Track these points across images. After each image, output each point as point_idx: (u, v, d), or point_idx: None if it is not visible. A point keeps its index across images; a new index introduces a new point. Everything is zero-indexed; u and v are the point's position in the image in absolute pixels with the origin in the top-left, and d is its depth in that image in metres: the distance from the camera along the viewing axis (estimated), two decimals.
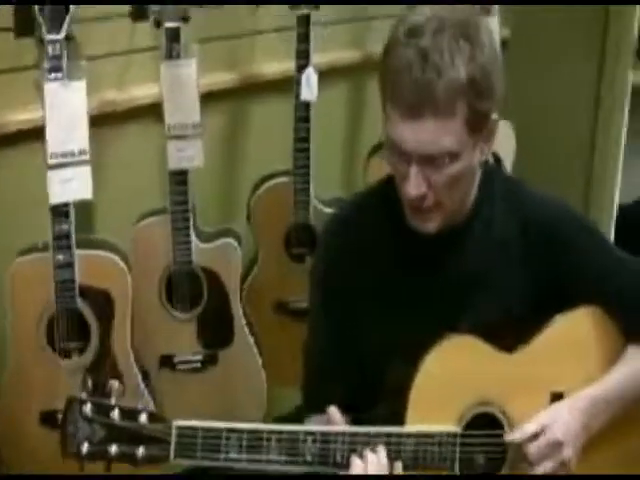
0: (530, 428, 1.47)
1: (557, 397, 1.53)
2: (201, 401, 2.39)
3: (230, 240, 2.36)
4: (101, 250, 2.12)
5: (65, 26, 1.85)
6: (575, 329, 1.56)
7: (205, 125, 2.23)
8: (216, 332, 2.41)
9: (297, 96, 2.40)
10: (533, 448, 1.46)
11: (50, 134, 1.92)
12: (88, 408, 1.37)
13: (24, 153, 2.11)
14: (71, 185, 1.96)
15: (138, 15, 2.12)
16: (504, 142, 2.78)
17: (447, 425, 1.48)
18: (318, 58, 2.41)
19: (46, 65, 1.88)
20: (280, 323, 2.62)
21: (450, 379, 1.48)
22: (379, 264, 1.59)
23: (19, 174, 2.13)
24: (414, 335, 1.48)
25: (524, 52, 3.15)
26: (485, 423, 1.50)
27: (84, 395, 1.38)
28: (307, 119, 2.42)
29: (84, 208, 2.12)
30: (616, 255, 1.61)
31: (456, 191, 1.48)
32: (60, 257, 2.00)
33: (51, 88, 1.88)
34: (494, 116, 1.45)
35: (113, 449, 1.37)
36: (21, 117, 2.08)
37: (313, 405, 1.61)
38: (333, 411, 1.47)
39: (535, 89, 3.17)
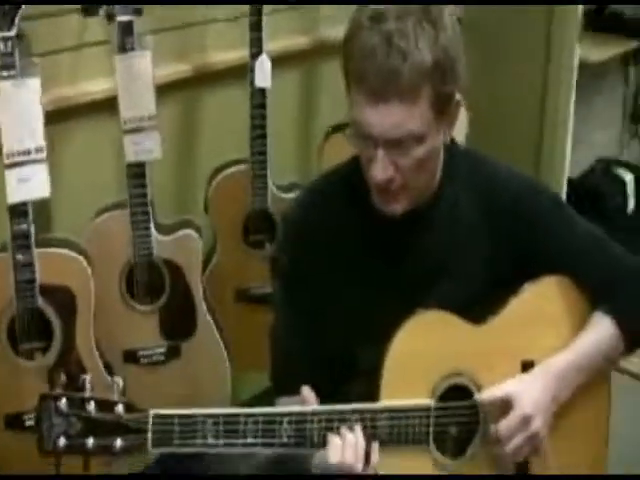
0: (497, 391, 1.50)
1: (528, 365, 1.56)
2: (167, 392, 2.39)
3: (190, 231, 2.37)
4: (59, 248, 2.11)
5: (16, 23, 1.83)
6: (543, 298, 1.59)
7: (159, 117, 2.22)
8: (179, 324, 2.41)
9: (252, 83, 2.40)
10: (502, 426, 1.49)
11: (5, 133, 1.90)
12: (63, 403, 1.36)
13: None
14: (29, 184, 1.95)
15: (89, 11, 2.10)
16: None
17: (421, 399, 1.49)
18: (269, 45, 2.41)
19: None
20: (241, 310, 2.63)
21: (421, 353, 1.50)
22: (344, 247, 1.60)
23: None
24: (382, 317, 1.49)
25: (472, 30, 3.17)
26: (458, 396, 1.52)
27: (58, 390, 1.37)
28: (263, 106, 2.43)
29: (40, 206, 2.10)
30: (581, 225, 1.64)
31: (422, 173, 1.49)
32: (20, 257, 1.99)
33: (4, 87, 1.87)
34: (457, 98, 1.47)
35: (90, 442, 1.36)
36: None
37: (282, 388, 1.62)
38: (306, 391, 1.47)
39: (483, 66, 3.20)
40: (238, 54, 2.49)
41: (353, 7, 1.46)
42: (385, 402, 1.47)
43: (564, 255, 1.60)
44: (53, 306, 2.08)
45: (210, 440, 1.40)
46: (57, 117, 2.15)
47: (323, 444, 1.44)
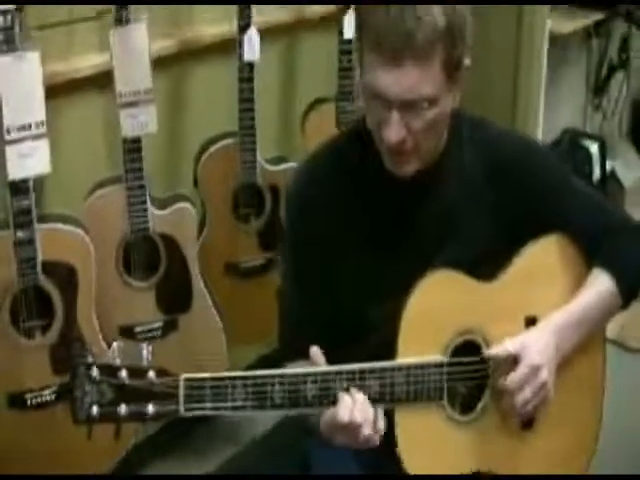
0: (505, 345, 1.55)
1: (531, 321, 1.62)
2: (165, 366, 2.40)
3: (186, 204, 2.38)
4: (60, 223, 2.10)
5: None
6: (544, 256, 1.65)
7: None
8: (175, 297, 2.43)
9: (240, 57, 2.41)
10: (512, 377, 1.54)
11: (6, 108, 1.89)
12: (95, 371, 1.38)
13: None
14: (30, 160, 1.94)
15: None
16: None
17: (434, 356, 1.54)
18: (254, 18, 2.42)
19: None
20: (231, 284, 2.65)
21: (436, 311, 1.54)
22: (353, 209, 1.63)
23: None
24: (392, 276, 1.54)
25: None
26: (469, 353, 1.57)
27: (90, 359, 1.39)
28: (251, 79, 2.44)
29: (35, 182, 2.09)
30: (579, 185, 1.72)
31: (432, 135, 1.54)
32: (21, 234, 1.98)
33: (5, 61, 1.85)
34: (466, 62, 1.51)
35: (123, 409, 1.38)
36: None
37: (291, 353, 1.64)
38: (316, 352, 1.49)
39: None
40: (225, 28, 2.50)
41: None
42: (401, 360, 1.51)
43: (563, 212, 1.66)
44: (54, 283, 2.08)
45: (239, 402, 1.43)
46: (48, 93, 2.13)
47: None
